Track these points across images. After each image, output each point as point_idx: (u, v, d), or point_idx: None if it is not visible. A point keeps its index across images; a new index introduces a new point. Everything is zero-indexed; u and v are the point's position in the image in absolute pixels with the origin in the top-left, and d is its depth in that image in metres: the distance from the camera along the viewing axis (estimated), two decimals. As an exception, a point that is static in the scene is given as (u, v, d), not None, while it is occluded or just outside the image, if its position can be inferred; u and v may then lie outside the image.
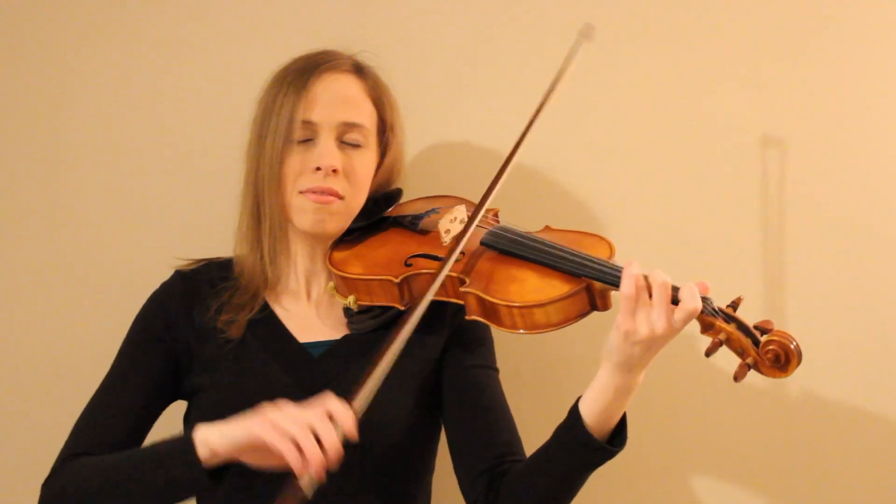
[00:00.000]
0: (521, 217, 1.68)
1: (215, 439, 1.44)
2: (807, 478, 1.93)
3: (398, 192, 1.78)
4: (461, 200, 1.76)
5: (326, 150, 1.65)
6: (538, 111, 1.61)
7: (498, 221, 1.70)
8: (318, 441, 1.37)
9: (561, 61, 1.65)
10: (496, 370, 1.73)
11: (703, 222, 1.94)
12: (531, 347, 1.93)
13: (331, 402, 1.41)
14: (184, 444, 1.46)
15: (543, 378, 1.96)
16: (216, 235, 1.89)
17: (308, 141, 1.67)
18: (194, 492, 1.55)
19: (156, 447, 1.52)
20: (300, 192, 1.66)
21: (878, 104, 1.92)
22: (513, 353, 1.87)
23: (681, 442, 1.95)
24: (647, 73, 1.94)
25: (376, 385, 1.42)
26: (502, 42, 1.96)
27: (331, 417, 1.39)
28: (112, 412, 1.65)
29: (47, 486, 1.60)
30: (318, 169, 1.65)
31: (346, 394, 1.51)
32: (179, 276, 1.75)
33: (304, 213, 1.66)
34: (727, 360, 1.46)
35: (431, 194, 1.83)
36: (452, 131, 1.97)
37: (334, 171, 1.65)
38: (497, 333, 1.65)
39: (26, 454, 1.95)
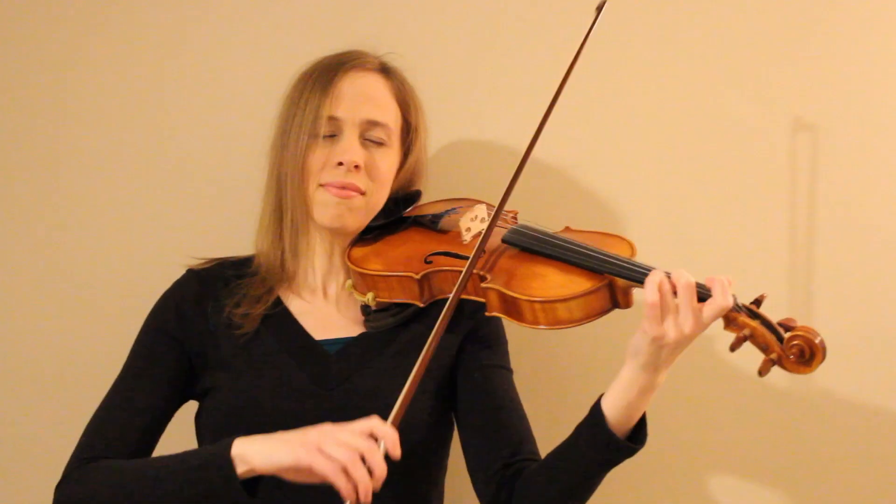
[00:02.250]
0: (541, 218, 1.68)
1: (255, 458, 1.43)
2: (818, 476, 1.94)
3: (418, 193, 1.79)
4: (478, 202, 1.77)
5: (349, 146, 1.66)
6: (558, 93, 1.61)
7: (517, 222, 1.71)
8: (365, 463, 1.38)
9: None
10: (510, 370, 1.73)
11: (723, 220, 1.95)
12: (538, 347, 1.94)
13: (374, 422, 1.41)
14: (220, 458, 1.45)
15: (547, 378, 1.96)
16: (228, 235, 1.91)
17: (332, 136, 1.67)
18: None
19: (186, 457, 1.51)
20: (321, 185, 1.66)
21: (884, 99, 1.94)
22: (521, 353, 1.87)
23: (687, 439, 1.95)
24: (667, 64, 1.96)
25: (411, 395, 1.43)
26: (516, 42, 1.98)
27: (374, 438, 1.39)
28: (125, 413, 1.64)
29: (61, 489, 1.58)
30: (341, 164, 1.66)
31: (364, 388, 1.53)
32: (192, 274, 1.75)
33: (324, 207, 1.67)
34: (739, 357, 1.47)
35: (448, 196, 1.84)
36: (468, 132, 1.98)
37: (356, 166, 1.66)
38: (512, 334, 1.65)
39: (33, 455, 1.95)
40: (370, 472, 1.38)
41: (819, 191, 1.93)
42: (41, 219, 2.00)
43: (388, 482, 1.59)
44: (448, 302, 1.50)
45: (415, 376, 1.44)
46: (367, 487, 1.37)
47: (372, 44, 1.78)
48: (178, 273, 1.75)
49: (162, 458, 1.56)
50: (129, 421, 1.64)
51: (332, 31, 1.92)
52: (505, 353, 1.74)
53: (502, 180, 1.60)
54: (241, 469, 1.43)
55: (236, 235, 1.86)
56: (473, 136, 1.98)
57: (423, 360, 1.45)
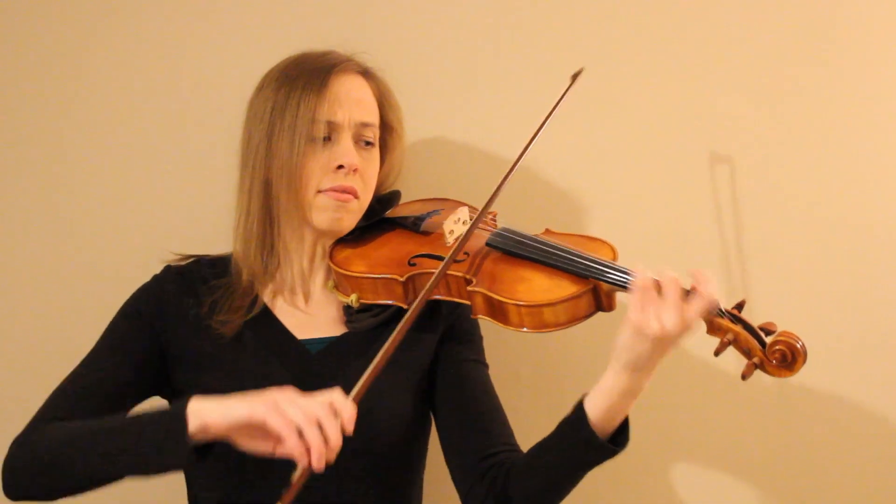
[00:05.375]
0: (520, 220, 1.70)
1: (211, 414, 1.41)
2: (806, 475, 1.97)
3: (398, 194, 1.81)
4: (459, 203, 1.79)
5: (348, 149, 1.67)
6: (530, 141, 1.64)
7: (496, 224, 1.73)
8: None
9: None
10: (486, 365, 1.75)
11: (699, 225, 1.97)
12: (530, 348, 1.96)
13: (335, 395, 1.41)
14: (174, 412, 1.43)
15: (542, 378, 1.99)
16: (207, 232, 1.90)
17: (327, 140, 1.67)
18: (172, 466, 1.45)
19: (139, 414, 1.49)
20: (319, 192, 1.67)
21: (877, 103, 1.97)
22: (512, 353, 1.91)
23: (678, 439, 1.98)
24: (645, 76, 1.98)
25: (373, 379, 1.44)
26: (503, 44, 1.99)
27: (333, 411, 1.40)
28: (91, 383, 1.62)
29: (15, 443, 1.56)
30: (340, 167, 1.66)
31: (347, 390, 1.54)
32: (171, 270, 1.74)
33: (323, 212, 1.67)
34: (725, 358, 1.50)
35: (426, 196, 1.86)
36: (448, 133, 1.99)
37: (355, 170, 1.67)
38: (499, 334, 1.67)
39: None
40: (325, 440, 1.37)
41: (780, 197, 1.97)
42: (27, 217, 2.00)
43: (368, 475, 1.63)
44: (418, 300, 1.51)
45: (381, 355, 1.45)
46: (320, 452, 1.36)
47: (344, 44, 1.77)
48: (158, 269, 1.74)
49: (120, 415, 1.53)
50: (95, 390, 1.61)
51: (325, 32, 1.90)
52: (481, 349, 1.77)
53: (481, 182, 1.61)
54: (193, 424, 1.41)
55: (217, 232, 1.85)
56: (454, 136, 1.99)
57: (392, 340, 1.46)
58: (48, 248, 2.00)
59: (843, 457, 1.96)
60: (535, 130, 1.65)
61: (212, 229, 1.88)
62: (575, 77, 1.71)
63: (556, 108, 1.66)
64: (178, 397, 1.63)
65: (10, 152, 2.00)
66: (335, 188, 1.66)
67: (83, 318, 1.91)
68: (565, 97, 1.68)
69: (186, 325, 1.67)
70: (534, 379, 1.98)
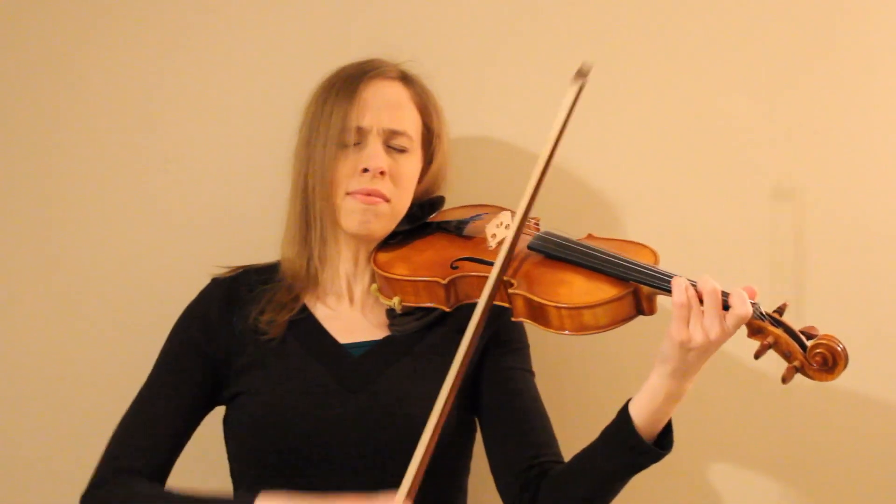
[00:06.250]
0: (563, 226, 1.70)
1: None
2: (814, 474, 1.97)
3: (441, 199, 1.82)
4: (501, 208, 1.79)
5: (374, 153, 1.69)
6: (549, 160, 1.59)
7: (538, 228, 1.73)
8: None
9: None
10: (532, 373, 1.76)
11: (739, 223, 1.97)
12: (564, 350, 1.97)
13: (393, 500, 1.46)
14: None
15: (572, 381, 1.99)
16: (249, 243, 1.93)
17: (357, 145, 1.70)
18: None
19: (215, 500, 1.59)
20: (347, 194, 1.69)
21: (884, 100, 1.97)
22: (543, 355, 1.90)
23: (686, 437, 1.96)
24: (681, 72, 1.98)
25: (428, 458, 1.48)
26: (529, 46, 1.99)
27: None
28: (152, 424, 1.67)
29: (90, 497, 1.62)
30: (366, 170, 1.68)
31: (390, 392, 1.56)
32: (217, 283, 1.77)
33: (351, 215, 1.70)
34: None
35: (469, 203, 1.86)
36: (487, 136, 2.00)
37: (381, 173, 1.69)
38: (536, 335, 1.68)
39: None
40: None
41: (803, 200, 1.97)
42: (37, 220, 2.01)
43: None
44: (479, 314, 1.51)
45: (455, 376, 1.47)
46: None
47: (389, 51, 1.79)
48: (203, 282, 1.78)
49: (186, 496, 1.60)
50: (156, 431, 1.67)
51: (348, 38, 1.95)
52: (527, 356, 1.77)
53: (524, 185, 1.61)
54: None
55: (259, 243, 1.88)
56: (494, 140, 2.00)
57: (465, 354, 1.48)
58: (86, 263, 2.01)
59: (850, 455, 1.96)
60: (555, 133, 1.58)
61: (259, 238, 1.91)
62: (581, 78, 1.57)
63: (573, 109, 1.57)
64: (231, 403, 1.70)
65: (26, 158, 2.01)
66: (360, 191, 1.68)
67: (132, 334, 1.97)
68: (578, 98, 1.58)
69: (234, 338, 1.71)
70: (568, 382, 1.98)
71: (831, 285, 1.95)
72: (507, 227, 1.69)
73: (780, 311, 1.48)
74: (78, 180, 2.00)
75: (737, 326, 1.45)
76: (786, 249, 1.95)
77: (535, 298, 1.54)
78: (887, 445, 1.95)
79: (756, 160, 1.97)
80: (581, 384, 1.99)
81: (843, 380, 1.44)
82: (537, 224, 1.76)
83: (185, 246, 1.96)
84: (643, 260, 1.57)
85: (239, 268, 1.80)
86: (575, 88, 1.55)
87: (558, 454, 1.68)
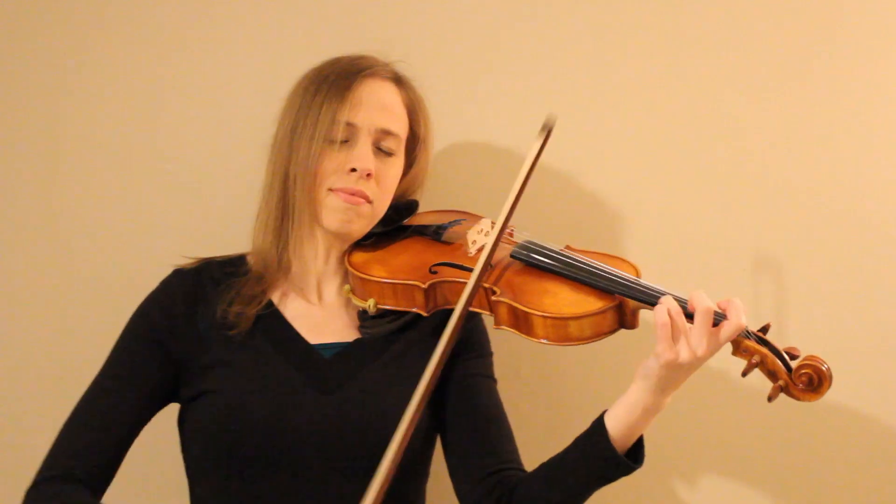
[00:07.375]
0: (539, 235, 1.70)
1: None
2: (807, 477, 1.98)
3: (416, 203, 1.81)
4: (479, 216, 1.78)
5: (363, 154, 1.67)
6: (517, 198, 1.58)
7: (513, 237, 1.73)
8: None
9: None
10: (495, 380, 1.76)
11: (725, 232, 1.97)
12: (532, 351, 1.94)
13: None
14: None
15: (544, 380, 1.98)
16: (217, 234, 1.90)
17: (345, 142, 1.68)
18: None
19: None
20: (330, 190, 1.67)
21: (883, 106, 1.98)
22: (513, 355, 1.90)
23: (678, 441, 1.98)
24: (667, 73, 1.98)
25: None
26: (517, 51, 1.99)
27: None
28: (99, 421, 1.62)
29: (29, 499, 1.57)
30: (353, 170, 1.66)
31: (362, 395, 1.54)
32: (180, 275, 1.72)
33: (333, 212, 1.67)
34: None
35: (442, 208, 1.86)
36: (467, 140, 1.99)
37: (368, 175, 1.67)
38: (505, 340, 1.67)
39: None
40: None
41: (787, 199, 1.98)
42: (31, 219, 1.98)
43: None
44: (455, 319, 1.48)
45: (429, 379, 1.44)
46: None
47: (377, 47, 1.77)
48: (165, 272, 1.72)
49: None
50: (103, 433, 1.61)
51: (333, 33, 1.93)
52: (491, 363, 1.77)
53: (503, 190, 1.60)
54: None
55: (225, 234, 1.85)
56: (474, 143, 1.99)
57: (437, 361, 1.45)
58: (51, 251, 1.98)
59: (843, 458, 1.97)
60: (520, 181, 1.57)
61: (224, 231, 1.88)
62: (546, 131, 1.58)
63: (535, 165, 1.57)
64: (192, 403, 1.65)
65: (14, 152, 1.98)
66: (345, 189, 1.66)
67: (93, 324, 1.92)
68: (542, 151, 1.58)
69: (197, 335, 1.66)
70: (543, 390, 1.98)
71: (832, 286, 1.96)
72: (485, 234, 1.68)
73: (765, 330, 1.51)
74: (78, 180, 1.97)
75: (728, 338, 1.46)
76: (777, 251, 1.96)
77: (521, 307, 1.54)
78: (877, 453, 1.97)
79: (754, 162, 1.98)
80: (558, 392, 1.98)
81: (833, 392, 1.46)
82: (511, 233, 1.76)
83: (185, 246, 1.88)
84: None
85: (202, 259, 1.75)
86: (539, 142, 1.56)
87: (520, 463, 1.68)
